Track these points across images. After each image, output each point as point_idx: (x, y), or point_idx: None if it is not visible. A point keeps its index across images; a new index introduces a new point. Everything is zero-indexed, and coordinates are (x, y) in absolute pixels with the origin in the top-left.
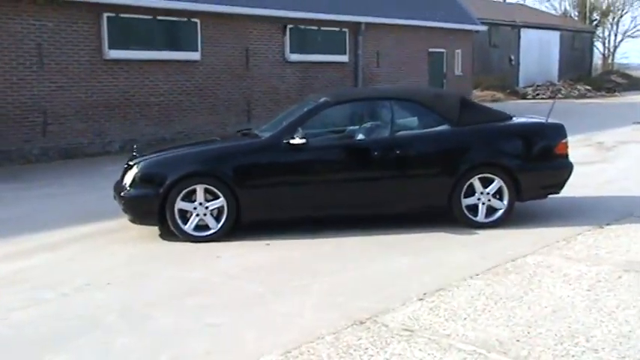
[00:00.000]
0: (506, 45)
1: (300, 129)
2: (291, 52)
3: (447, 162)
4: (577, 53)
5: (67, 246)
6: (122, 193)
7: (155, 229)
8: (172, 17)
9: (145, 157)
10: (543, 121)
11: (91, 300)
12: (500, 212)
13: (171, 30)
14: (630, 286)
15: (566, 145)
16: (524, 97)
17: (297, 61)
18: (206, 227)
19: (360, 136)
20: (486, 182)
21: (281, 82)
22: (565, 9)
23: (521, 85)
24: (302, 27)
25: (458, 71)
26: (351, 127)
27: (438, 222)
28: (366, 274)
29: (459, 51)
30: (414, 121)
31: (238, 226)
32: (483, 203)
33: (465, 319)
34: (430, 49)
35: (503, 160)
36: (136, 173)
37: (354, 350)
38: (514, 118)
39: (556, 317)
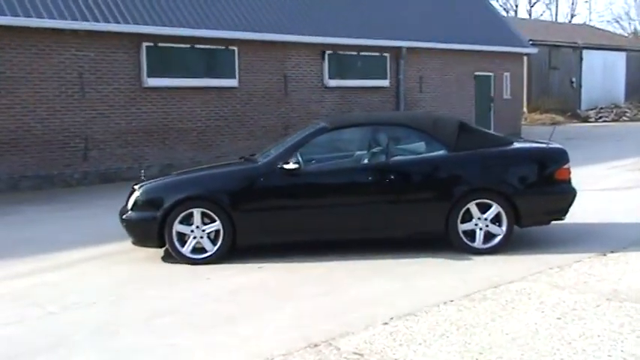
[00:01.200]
0: (567, 67)
1: (297, 154)
2: (330, 77)
3: (443, 187)
4: None
5: (75, 266)
6: (124, 216)
7: (161, 252)
8: (210, 45)
9: (147, 182)
10: (544, 146)
11: (70, 318)
12: (498, 238)
13: (209, 58)
14: (604, 315)
15: (568, 171)
16: (585, 120)
17: (336, 87)
18: (203, 250)
19: (356, 162)
20: (484, 208)
21: (320, 107)
22: (635, 28)
23: (583, 107)
24: (341, 52)
25: (506, 95)
26: (348, 153)
27: (435, 247)
28: (342, 298)
29: (507, 74)
30: (410, 146)
31: (236, 250)
32: (481, 229)
33: (420, 344)
34: (476, 73)
35: (501, 185)
36: (137, 197)
37: None
38: (515, 143)
39: (512, 345)
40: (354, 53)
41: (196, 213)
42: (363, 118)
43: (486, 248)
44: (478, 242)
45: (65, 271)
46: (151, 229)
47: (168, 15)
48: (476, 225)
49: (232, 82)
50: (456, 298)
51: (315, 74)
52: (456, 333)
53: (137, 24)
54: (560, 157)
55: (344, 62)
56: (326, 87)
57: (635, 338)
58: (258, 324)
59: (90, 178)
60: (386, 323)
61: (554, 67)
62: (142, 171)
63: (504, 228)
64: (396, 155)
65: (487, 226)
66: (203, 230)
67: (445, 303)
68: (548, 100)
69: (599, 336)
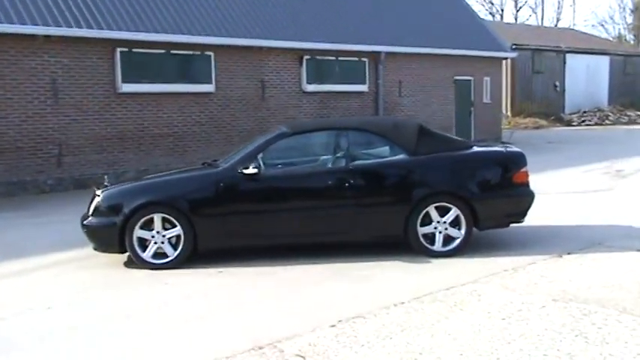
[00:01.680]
0: (550, 71)
1: (256, 159)
2: (308, 82)
3: (402, 191)
4: (629, 78)
5: (35, 272)
6: (85, 222)
7: (123, 257)
8: (186, 51)
9: (107, 188)
10: (502, 149)
11: (21, 324)
12: (457, 241)
13: (185, 63)
14: (547, 315)
15: (526, 174)
16: (569, 123)
17: (315, 92)
18: (164, 255)
19: (316, 166)
20: (443, 211)
21: (298, 112)
22: (619, 33)
23: (567, 111)
24: (319, 57)
25: (487, 99)
26: (308, 157)
27: (396, 251)
28: (295, 301)
29: (487, 78)
30: (370, 151)
31: (198, 254)
32: (440, 232)
33: (363, 345)
34: (456, 77)
35: (459, 189)
36: (98, 202)
37: None
38: (474, 147)
39: (453, 345)
40: (333, 58)
41: (157, 218)
42: (323, 123)
43: (445, 251)
44: (437, 245)
45: (25, 278)
46: (112, 234)
47: (143, 20)
48: (435, 228)
49: (209, 88)
50: (407, 300)
51: (293, 79)
52: (400, 334)
53: (111, 29)
54: (518, 161)
55: (322, 67)
56: (304, 92)
57: (574, 337)
58: (208, 327)
59: (64, 184)
60: (333, 326)
61: (537, 71)
62: (106, 176)
63: (463, 231)
64: (356, 159)
65: (446, 229)
66: (164, 235)
67: (395, 305)
68: (532, 104)
69: (538, 335)
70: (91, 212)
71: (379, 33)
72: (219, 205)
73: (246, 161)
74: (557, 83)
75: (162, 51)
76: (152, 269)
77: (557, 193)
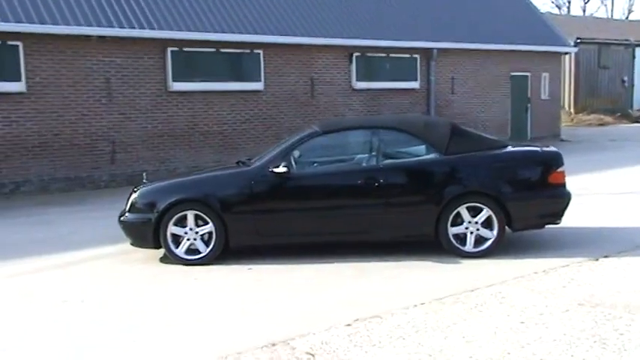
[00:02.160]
0: (618, 65)
1: (287, 157)
2: (358, 79)
3: (433, 191)
4: None
5: (81, 264)
6: (121, 218)
7: (160, 253)
8: (235, 49)
9: (145, 185)
10: (538, 149)
11: (50, 316)
12: (489, 242)
13: (234, 61)
14: (570, 320)
15: (562, 174)
16: (636, 120)
17: (365, 89)
18: (197, 251)
19: (346, 165)
20: (475, 211)
21: (347, 109)
22: None
23: (635, 107)
24: (369, 54)
25: (545, 95)
26: (339, 156)
27: (428, 251)
28: (319, 299)
29: (546, 74)
30: (402, 150)
31: (229, 251)
32: (472, 232)
33: (374, 345)
34: (512, 73)
35: (492, 189)
36: (134, 199)
37: None
38: (509, 147)
39: (465, 347)
40: (383, 55)
41: (190, 215)
42: (355, 122)
43: (477, 252)
44: (469, 246)
45: (71, 270)
46: (147, 230)
47: (194, 20)
48: (466, 229)
49: (258, 86)
50: (427, 301)
51: (342, 76)
52: (413, 335)
53: (162, 29)
54: (554, 161)
55: (372, 64)
56: (354, 89)
57: (592, 343)
58: (227, 323)
59: (117, 180)
60: (349, 325)
61: (604, 65)
62: (144, 174)
63: (495, 232)
64: (387, 159)
65: (478, 229)
66: (196, 232)
67: (415, 306)
68: (597, 101)
69: (555, 340)
70: (127, 208)
71: (431, 28)
72: (250, 203)
73: (276, 160)
74: (625, 78)
75: (212, 50)
76: (185, 265)
77: (608, 193)
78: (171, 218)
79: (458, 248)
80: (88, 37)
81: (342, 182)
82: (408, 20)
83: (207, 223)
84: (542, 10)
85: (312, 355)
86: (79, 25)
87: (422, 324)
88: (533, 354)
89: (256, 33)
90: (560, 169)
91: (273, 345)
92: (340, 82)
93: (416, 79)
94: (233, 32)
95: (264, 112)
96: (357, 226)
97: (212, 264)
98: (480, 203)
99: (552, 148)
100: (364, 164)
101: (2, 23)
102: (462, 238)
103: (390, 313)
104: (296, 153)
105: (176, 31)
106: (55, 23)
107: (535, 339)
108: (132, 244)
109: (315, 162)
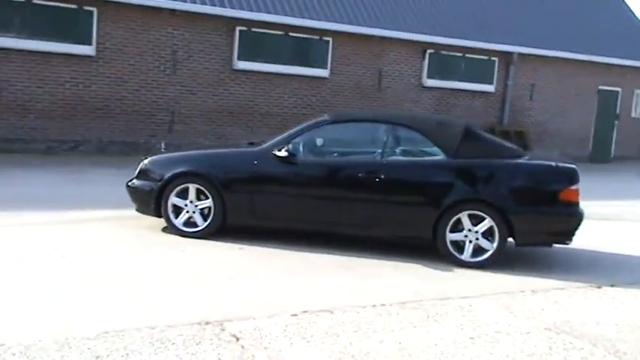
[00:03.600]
0: None
1: (291, 142)
2: (429, 77)
3: (435, 193)
4: None
5: (87, 223)
6: (129, 183)
7: (163, 222)
8: (304, 34)
9: (155, 154)
10: (552, 163)
11: (25, 267)
12: (487, 253)
13: (302, 46)
14: (524, 343)
15: (576, 192)
16: None
17: (435, 87)
18: (195, 224)
19: (350, 157)
20: (477, 220)
21: (415, 106)
22: None
23: None
24: (444, 52)
25: (636, 113)
26: (345, 147)
27: (426, 255)
28: (286, 286)
29: (639, 91)
30: (409, 148)
31: (230, 229)
32: (470, 241)
33: (304, 339)
34: (601, 87)
35: (496, 198)
36: (142, 167)
37: (161, 342)
38: (524, 157)
39: (394, 355)
40: (459, 54)
41: (191, 188)
42: (366, 114)
43: (474, 262)
44: (466, 255)
45: (62, 227)
46: (150, 198)
47: (265, 1)
48: (465, 236)
49: (323, 72)
50: (389, 303)
51: (412, 72)
52: (350, 335)
53: (233, 8)
54: (567, 177)
55: (446, 62)
56: (423, 86)
57: None
58: (180, 297)
59: (172, 150)
60: (294, 315)
61: None
62: (163, 144)
63: (495, 244)
64: (393, 155)
65: (477, 239)
66: (196, 205)
67: (374, 306)
68: None
69: None
70: (135, 175)
71: (513, 32)
72: (249, 183)
73: (280, 144)
74: None
75: (281, 32)
76: (182, 236)
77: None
78: (173, 189)
79: (454, 256)
80: (159, 9)
81: (343, 174)
82: (488, 20)
83: (207, 197)
84: None
85: (237, 338)
86: None
87: (367, 325)
88: None
89: (327, 20)
90: (573, 187)
91: (207, 323)
92: (410, 78)
93: (491, 83)
94: (304, 17)
95: (327, 99)
96: (355, 220)
97: (208, 239)
98: (482, 212)
99: (569, 165)
100: (368, 158)
101: None
102: (460, 246)
103: (343, 309)
104: (302, 139)
105: (246, 11)
106: None
107: (472, 356)
108: (137, 210)
109: (320, 150)
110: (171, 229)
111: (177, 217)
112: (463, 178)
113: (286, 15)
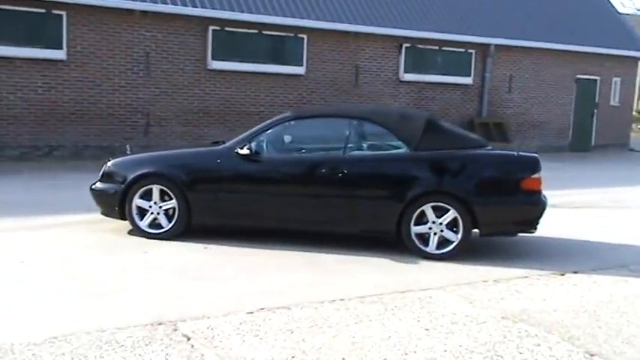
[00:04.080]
0: None
1: (254, 140)
2: (406, 71)
3: (398, 187)
4: None
5: (53, 229)
6: (92, 186)
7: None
8: (278, 32)
9: (119, 156)
10: (513, 152)
11: None
12: (452, 245)
13: (276, 44)
14: (479, 332)
15: (537, 181)
16: None
17: (412, 81)
18: (160, 225)
19: (312, 153)
20: (441, 212)
21: (393, 100)
22: None
23: None
24: (420, 46)
25: (614, 102)
26: (308, 143)
27: (393, 249)
28: (246, 284)
29: (617, 79)
30: (372, 142)
31: (197, 229)
32: (435, 233)
33: (257, 336)
34: (579, 76)
35: (459, 189)
36: (105, 169)
37: (109, 345)
38: (487, 147)
39: (346, 349)
40: (435, 48)
41: (155, 189)
42: (328, 110)
43: (439, 254)
44: (431, 247)
45: (38, 233)
46: (114, 201)
47: (238, 0)
48: (430, 229)
49: (299, 70)
50: (349, 298)
51: (389, 67)
52: (305, 331)
53: (205, 7)
54: (529, 166)
55: (423, 56)
56: (401, 80)
57: (475, 355)
58: (137, 299)
59: (146, 152)
60: (250, 312)
61: None
62: (128, 146)
63: (460, 235)
64: (356, 150)
65: (442, 231)
66: (160, 207)
67: (333, 300)
68: None
69: (445, 351)
70: (99, 177)
71: (490, 23)
72: (213, 182)
73: (243, 142)
74: None
75: (255, 31)
76: (147, 238)
77: (616, 207)
78: (137, 191)
79: (419, 248)
80: (130, 11)
81: (306, 170)
82: (464, 13)
83: (171, 198)
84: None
85: (188, 338)
86: None
87: (323, 320)
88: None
89: (302, 17)
90: (535, 176)
91: (159, 324)
92: (387, 73)
93: (469, 75)
94: (277, 15)
95: (304, 97)
96: (320, 216)
97: (174, 240)
98: (445, 203)
99: (531, 153)
100: (330, 153)
101: None
102: (425, 239)
103: (301, 305)
104: (265, 137)
105: (219, 10)
106: None
107: (425, 348)
108: (102, 214)
109: (283, 147)
110: (136, 231)
111: (142, 219)
112: (425, 171)
113: (260, 13)
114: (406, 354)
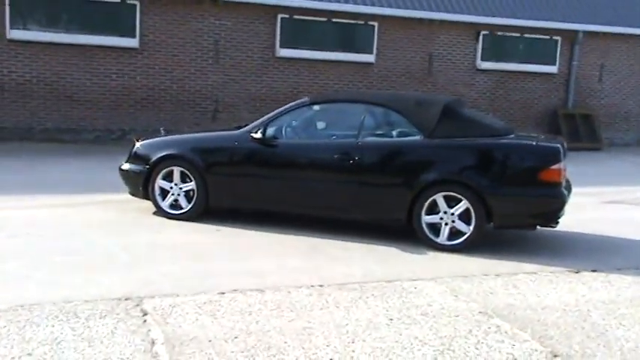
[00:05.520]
0: None
1: (269, 124)
2: (483, 59)
3: (410, 175)
4: None
5: (87, 206)
6: (121, 166)
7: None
8: (348, 20)
9: (147, 138)
10: (532, 142)
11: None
12: (464, 236)
13: (346, 32)
14: (445, 326)
15: (558, 172)
16: None
17: (491, 69)
18: (180, 206)
19: (325, 139)
20: (453, 202)
21: (469, 89)
22: None
23: None
24: (499, 33)
25: None
26: (324, 129)
27: (408, 239)
28: (236, 265)
29: None
30: (386, 128)
31: (216, 210)
32: (446, 224)
33: (212, 316)
34: None
35: (471, 179)
36: (134, 150)
37: (65, 315)
38: (509, 137)
39: (293, 336)
40: (516, 35)
41: (176, 171)
42: (345, 95)
43: (450, 245)
44: (442, 238)
45: (68, 210)
46: (139, 181)
47: None
48: (441, 219)
49: (369, 58)
50: (327, 284)
51: (465, 55)
52: (264, 314)
53: None
54: (548, 157)
55: (502, 44)
56: (478, 69)
57: (426, 347)
58: (120, 275)
59: None
60: (222, 293)
61: None
62: (162, 128)
63: (472, 226)
64: (370, 136)
65: (454, 221)
66: (180, 188)
67: (312, 286)
68: None
69: (396, 342)
70: (126, 158)
71: (578, 8)
72: (230, 166)
73: (259, 126)
74: None
75: (324, 19)
76: (168, 218)
77: None
78: (159, 172)
79: (430, 239)
80: (200, 0)
81: (319, 155)
82: None
83: (191, 180)
84: None
85: (145, 314)
86: None
87: (288, 304)
88: (352, 352)
89: (373, 4)
90: (555, 167)
91: (127, 299)
92: (463, 61)
93: (554, 64)
94: (348, 2)
95: (375, 85)
96: (332, 202)
97: (194, 221)
98: (457, 193)
99: (551, 144)
100: (343, 140)
101: None
102: (437, 229)
103: (277, 289)
104: (281, 121)
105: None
106: None
107: (377, 337)
108: (130, 193)
109: (298, 132)
110: (158, 211)
111: (164, 199)
112: (439, 159)
113: (329, 1)
114: (353, 342)
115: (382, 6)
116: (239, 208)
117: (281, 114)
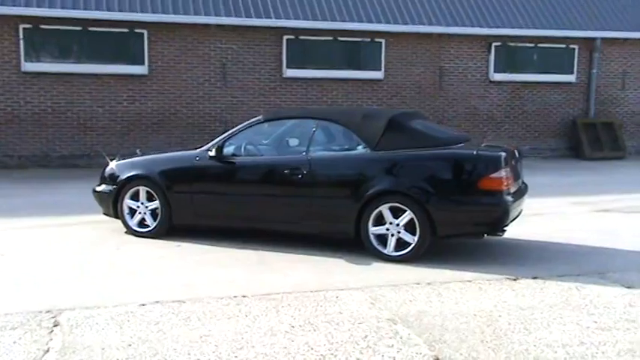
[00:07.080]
0: None
1: (226, 142)
2: (496, 71)
3: (355, 187)
4: None
5: (69, 226)
6: (95, 187)
7: None
8: (354, 38)
9: (119, 159)
10: (472, 151)
11: None
12: (410, 247)
13: (353, 50)
14: (345, 332)
15: (498, 181)
16: None
17: (504, 81)
18: (147, 225)
19: (276, 154)
20: (399, 212)
21: (482, 102)
22: None
23: None
24: (512, 44)
25: None
26: (276, 145)
27: (356, 250)
28: (170, 280)
29: None
30: (334, 142)
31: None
32: (392, 235)
33: (117, 324)
34: None
35: (413, 190)
36: (104, 172)
37: None
38: (457, 146)
39: (193, 344)
40: (530, 45)
41: (142, 191)
42: (297, 111)
43: (397, 256)
44: (389, 249)
45: (38, 230)
46: (109, 201)
47: (314, 8)
48: (387, 230)
49: (377, 75)
50: (251, 295)
51: (477, 67)
52: (170, 324)
53: (279, 18)
54: (487, 165)
55: (516, 55)
56: (491, 81)
57: (310, 353)
58: (52, 289)
59: None
60: (142, 305)
61: None
62: (138, 150)
63: (417, 236)
64: (319, 151)
65: (399, 232)
66: (147, 207)
67: (235, 297)
68: None
69: (285, 348)
70: (99, 179)
71: (595, 14)
72: (189, 184)
73: (215, 144)
74: None
75: (329, 38)
76: (136, 236)
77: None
78: (127, 192)
79: (378, 250)
80: (206, 26)
81: (272, 171)
82: (564, 4)
83: (155, 199)
84: None
85: (55, 326)
86: (199, 14)
87: (200, 315)
88: (235, 357)
89: (379, 22)
90: (495, 175)
91: (47, 312)
92: (475, 74)
93: (572, 72)
94: (353, 21)
95: (384, 101)
96: (285, 216)
97: (160, 238)
98: (401, 204)
99: (492, 152)
100: (293, 155)
101: (130, 13)
102: (385, 240)
103: (197, 300)
104: (238, 139)
105: (293, 20)
106: (177, 13)
107: (267, 344)
108: (103, 213)
109: (253, 149)
110: (127, 229)
111: (132, 217)
112: (383, 171)
113: (335, 20)
114: (242, 349)
115: (389, 22)
116: (199, 226)
117: (237, 132)
